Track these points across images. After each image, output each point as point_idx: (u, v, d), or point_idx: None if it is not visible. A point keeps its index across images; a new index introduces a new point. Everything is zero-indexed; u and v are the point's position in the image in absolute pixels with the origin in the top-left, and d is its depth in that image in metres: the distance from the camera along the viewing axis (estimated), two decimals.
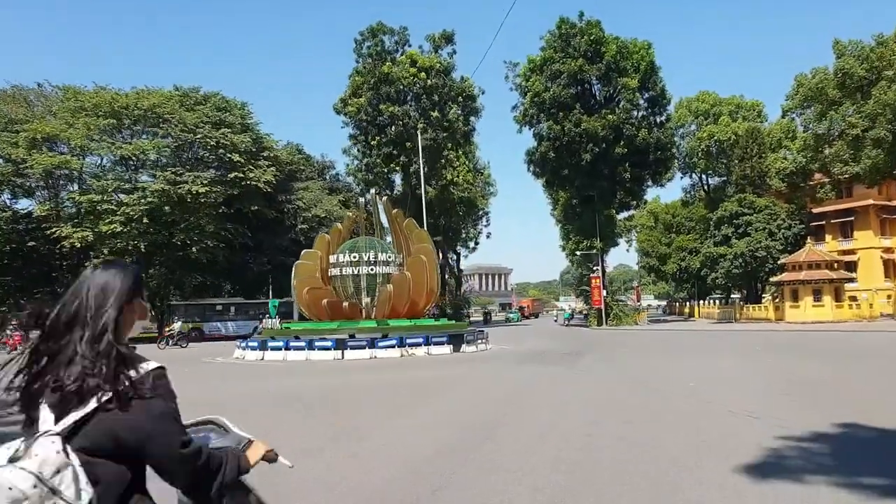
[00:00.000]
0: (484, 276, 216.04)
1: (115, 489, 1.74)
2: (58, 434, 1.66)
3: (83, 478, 1.64)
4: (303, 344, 24.37)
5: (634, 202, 54.83)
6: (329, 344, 23.87)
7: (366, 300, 27.93)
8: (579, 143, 51.96)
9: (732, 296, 76.84)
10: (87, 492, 1.64)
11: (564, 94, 51.24)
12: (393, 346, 23.62)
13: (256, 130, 47.66)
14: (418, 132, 53.10)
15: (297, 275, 29.77)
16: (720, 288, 76.00)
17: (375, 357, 23.24)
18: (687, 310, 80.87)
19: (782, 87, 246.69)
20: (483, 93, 59.05)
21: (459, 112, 56.94)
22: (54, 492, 1.58)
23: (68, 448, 1.66)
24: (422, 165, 48.12)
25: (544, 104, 52.40)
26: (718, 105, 63.72)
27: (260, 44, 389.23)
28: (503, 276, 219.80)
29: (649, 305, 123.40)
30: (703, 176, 68.33)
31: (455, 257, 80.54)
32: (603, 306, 54.30)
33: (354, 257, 27.53)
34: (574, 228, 58.55)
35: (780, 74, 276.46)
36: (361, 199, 53.17)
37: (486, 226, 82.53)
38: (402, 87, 53.35)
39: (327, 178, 58.86)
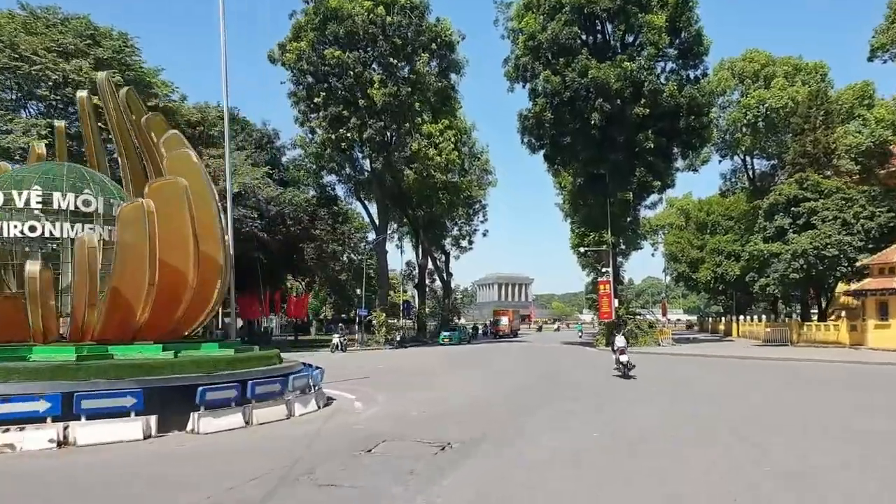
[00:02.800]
0: (503, 286, 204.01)
1: None
2: None
3: None
4: None
5: (658, 183, 41.23)
6: None
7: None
8: (586, 100, 38.91)
9: (789, 310, 62.93)
10: None
11: (567, 34, 38.25)
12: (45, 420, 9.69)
13: (140, 69, 35.48)
14: (375, 86, 40.56)
15: None
16: (766, 299, 62.11)
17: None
18: (722, 326, 66.89)
19: (849, 50, 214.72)
20: (463, 38, 46.26)
21: (433, 63, 44.25)
22: None
23: None
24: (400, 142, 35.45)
25: (540, 48, 39.48)
26: (771, 65, 49.98)
27: None
28: (523, 287, 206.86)
29: (678, 320, 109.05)
30: (748, 158, 54.45)
31: (443, 258, 67.54)
32: (615, 320, 41.01)
33: (31, 202, 12.18)
34: (579, 217, 45.34)
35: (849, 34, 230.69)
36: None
37: (482, 221, 69.41)
38: (354, 26, 40.75)
39: (268, 149, 46.69)
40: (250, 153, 42.95)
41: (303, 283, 69.97)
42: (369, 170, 49.13)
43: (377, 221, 49.45)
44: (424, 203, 54.81)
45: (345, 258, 53.50)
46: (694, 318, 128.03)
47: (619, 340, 21.04)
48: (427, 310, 57.69)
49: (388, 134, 44.20)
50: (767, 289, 38.56)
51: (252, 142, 45.42)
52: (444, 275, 67.67)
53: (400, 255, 75.58)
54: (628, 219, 43.84)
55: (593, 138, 40.17)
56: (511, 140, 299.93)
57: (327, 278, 66.60)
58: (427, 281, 65.27)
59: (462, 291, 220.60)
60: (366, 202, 52.02)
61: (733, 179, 56.38)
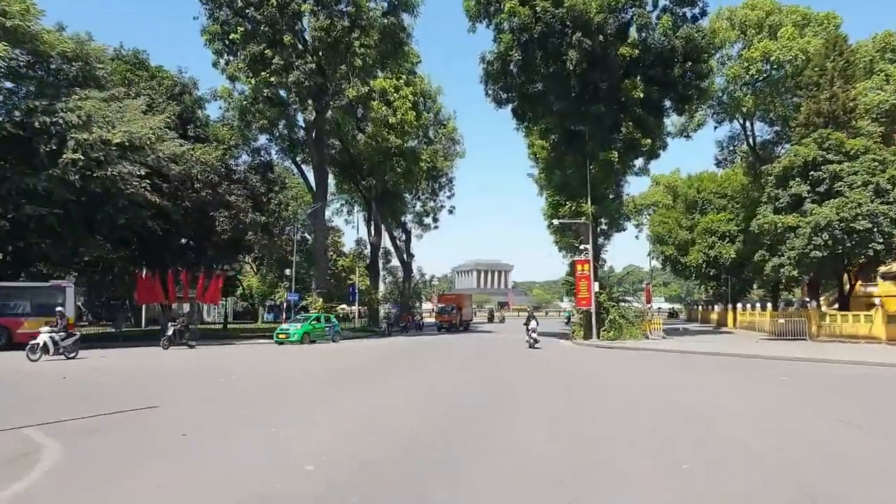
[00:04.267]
0: (482, 273, 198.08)
1: None
2: None
3: None
4: None
5: (648, 142, 33.83)
6: None
7: None
8: (561, 36, 31.48)
9: (790, 298, 56.56)
10: None
11: None
12: None
13: None
14: (304, 18, 32.81)
15: None
16: (766, 285, 55.47)
17: None
18: (715, 316, 60.17)
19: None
20: None
21: None
22: None
23: None
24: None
25: None
26: (777, 14, 42.72)
27: None
28: (503, 273, 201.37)
29: (659, 309, 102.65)
30: (748, 123, 47.32)
31: (404, 236, 60.01)
32: (594, 308, 33.90)
33: None
34: (554, 183, 38.04)
35: None
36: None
37: (449, 196, 61.88)
38: None
39: (183, 102, 38.60)
40: (154, 102, 34.95)
41: (250, 263, 62.17)
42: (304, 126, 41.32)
43: (314, 187, 41.56)
44: (377, 171, 47.15)
45: (291, 234, 45.52)
46: (676, 306, 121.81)
47: (533, 323, 29.53)
48: (380, 295, 50.11)
49: (325, 82, 36.42)
50: (782, 270, 31.47)
51: (162, 91, 37.37)
52: (405, 256, 60.09)
53: (357, 232, 67.38)
54: (612, 187, 36.64)
55: (570, 87, 32.82)
56: (490, 114, 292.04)
57: (276, 259, 58.99)
58: (385, 262, 57.82)
59: (441, 278, 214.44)
60: (303, 167, 44.18)
61: (731, 148, 49.32)
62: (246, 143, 43.79)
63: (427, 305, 79.87)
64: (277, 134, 42.85)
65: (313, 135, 39.96)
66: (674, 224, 61.53)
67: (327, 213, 64.18)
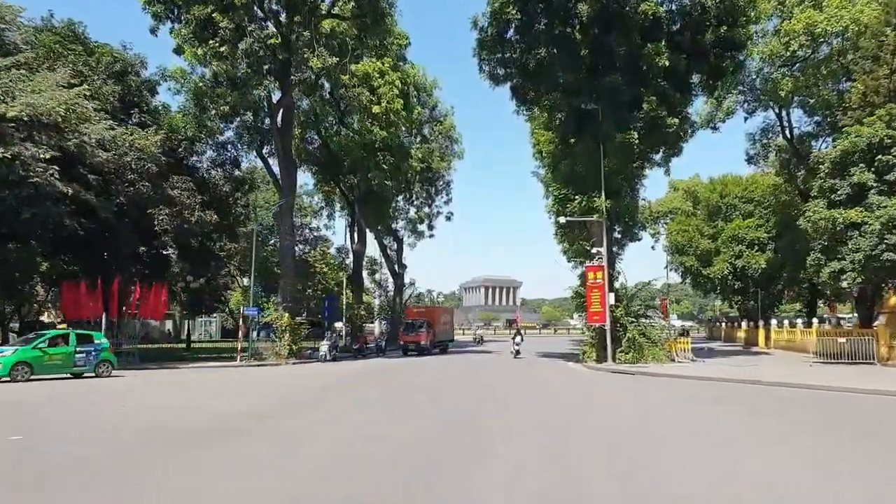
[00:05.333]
0: (490, 290, 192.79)
1: None
2: None
3: None
4: None
5: (675, 122, 27.77)
6: None
7: None
8: None
9: (822, 315, 50.37)
10: None
11: None
12: None
13: None
14: None
15: None
16: (806, 299, 49.44)
17: None
18: (742, 334, 53.70)
19: None
20: None
21: None
22: None
23: None
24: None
25: None
26: None
27: None
28: (511, 290, 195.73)
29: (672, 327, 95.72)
30: (784, 112, 41.14)
31: (395, 245, 54.09)
32: (609, 325, 27.76)
33: None
34: (560, 172, 31.96)
35: None
36: None
37: (446, 201, 56.02)
38: None
39: (127, 83, 33.08)
40: (87, 80, 29.33)
41: (234, 275, 56.19)
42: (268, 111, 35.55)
43: (280, 181, 35.57)
44: (359, 168, 41.31)
45: (249, 237, 39.50)
46: (689, 323, 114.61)
47: (518, 339, 36.49)
48: (363, 310, 43.99)
49: (289, 57, 30.69)
50: (843, 277, 25.21)
51: (100, 70, 31.82)
52: (396, 266, 54.04)
53: (345, 237, 60.86)
54: (629, 180, 30.59)
55: (580, 55, 26.99)
56: (501, 127, 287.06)
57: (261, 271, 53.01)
58: (370, 273, 51.75)
59: (448, 295, 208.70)
60: (270, 160, 38.26)
61: (764, 141, 43.14)
62: (210, 137, 38.09)
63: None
64: (240, 123, 37.04)
65: (278, 120, 34.19)
66: (694, 232, 55.33)
67: (314, 223, 58.65)
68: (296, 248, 53.57)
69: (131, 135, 28.43)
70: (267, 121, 36.26)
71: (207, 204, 34.54)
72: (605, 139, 27.64)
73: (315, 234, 58.05)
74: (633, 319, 28.96)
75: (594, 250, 28.92)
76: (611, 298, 28.02)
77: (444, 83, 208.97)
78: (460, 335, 75.96)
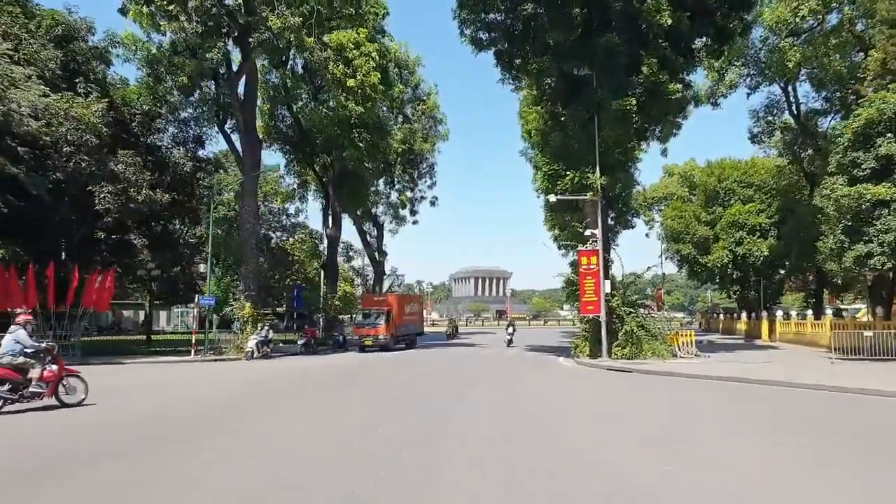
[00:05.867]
0: (480, 280, 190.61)
1: None
2: None
3: None
4: None
5: (678, 87, 24.76)
6: None
7: None
8: None
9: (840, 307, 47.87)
10: None
11: None
12: None
13: None
14: None
15: None
16: (812, 289, 46.71)
17: None
18: (742, 326, 50.94)
19: None
20: None
21: None
22: None
23: None
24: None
25: None
26: None
27: None
28: (501, 281, 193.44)
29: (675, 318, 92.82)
30: (790, 87, 38.22)
31: (375, 230, 51.00)
32: (605, 315, 24.84)
33: None
34: (550, 146, 28.88)
35: None
36: None
37: (430, 185, 52.95)
38: None
39: (71, 48, 29.76)
40: (24, 44, 26.04)
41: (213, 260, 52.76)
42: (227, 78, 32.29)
43: (241, 155, 32.21)
44: (333, 146, 38.12)
45: (207, 218, 36.18)
46: (680, 315, 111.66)
47: (510, 329, 41.09)
48: (337, 300, 40.84)
49: (250, 19, 27.49)
50: (871, 262, 22.34)
51: (41, 35, 28.50)
52: (377, 254, 50.96)
53: (322, 222, 57.34)
54: (626, 154, 27.53)
55: (571, 14, 23.90)
56: (494, 120, 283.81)
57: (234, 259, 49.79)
58: (346, 259, 48.60)
59: (438, 286, 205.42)
60: (234, 136, 34.93)
61: (769, 118, 40.27)
62: (171, 112, 34.78)
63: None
64: (200, 95, 33.69)
65: (240, 91, 30.96)
66: (691, 219, 52.46)
67: (291, 208, 55.32)
68: (273, 236, 50.69)
69: (66, 102, 25.14)
70: (229, 93, 32.98)
71: (168, 185, 31.39)
72: (599, 108, 24.61)
73: (293, 220, 54.95)
74: (631, 310, 26.04)
75: (587, 232, 25.95)
76: (606, 286, 25.11)
77: (441, 83, 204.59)
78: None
